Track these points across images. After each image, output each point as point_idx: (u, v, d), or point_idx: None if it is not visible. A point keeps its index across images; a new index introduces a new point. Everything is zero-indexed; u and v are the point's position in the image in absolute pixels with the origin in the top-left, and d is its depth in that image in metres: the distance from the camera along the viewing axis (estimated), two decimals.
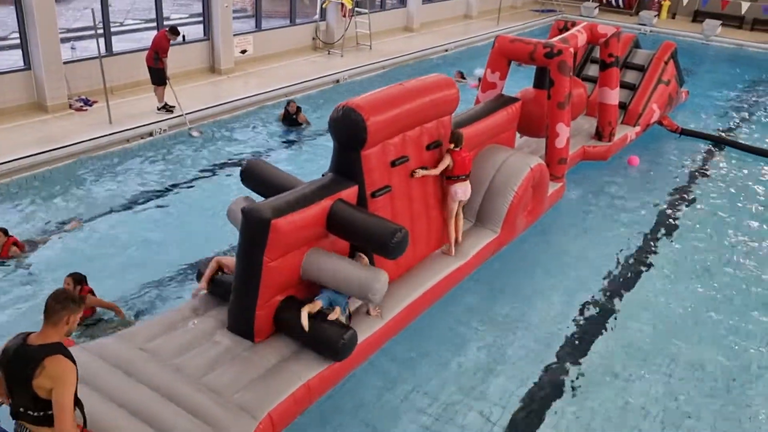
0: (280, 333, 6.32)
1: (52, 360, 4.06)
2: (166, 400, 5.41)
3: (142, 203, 10.17)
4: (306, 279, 6.31)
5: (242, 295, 6.11)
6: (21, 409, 4.20)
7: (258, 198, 6.91)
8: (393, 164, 7.15)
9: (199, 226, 9.44)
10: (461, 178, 7.96)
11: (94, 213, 9.73)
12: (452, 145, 7.85)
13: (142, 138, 12.38)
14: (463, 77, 17.42)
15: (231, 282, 6.31)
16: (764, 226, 10.63)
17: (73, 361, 4.19)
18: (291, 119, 13.51)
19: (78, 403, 4.32)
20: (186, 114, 13.06)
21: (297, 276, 6.28)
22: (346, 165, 6.83)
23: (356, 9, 19.08)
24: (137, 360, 5.75)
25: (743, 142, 14.24)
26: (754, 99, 18.24)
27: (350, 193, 6.65)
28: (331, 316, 6.12)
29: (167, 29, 13.06)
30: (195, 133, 12.80)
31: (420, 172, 7.49)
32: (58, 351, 4.13)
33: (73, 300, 4.21)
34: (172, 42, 13.05)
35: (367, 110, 6.60)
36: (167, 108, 13.24)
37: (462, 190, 8.02)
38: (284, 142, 13.03)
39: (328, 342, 6.00)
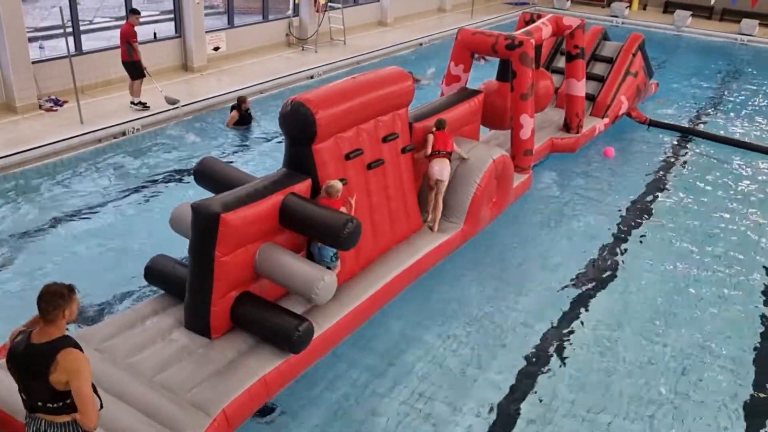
0: (237, 328, 6.35)
1: (64, 355, 4.14)
2: (117, 400, 5.41)
3: (116, 203, 10.11)
4: (260, 274, 6.35)
5: (197, 291, 6.13)
6: (39, 404, 4.28)
7: None
8: (347, 157, 7.19)
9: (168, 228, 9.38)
10: (440, 154, 8.33)
11: (66, 213, 9.68)
12: (434, 129, 8.43)
13: (114, 138, 12.31)
14: (415, 78, 17.38)
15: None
16: (733, 214, 10.78)
17: (80, 349, 4.29)
18: (244, 118, 13.35)
19: (93, 388, 4.40)
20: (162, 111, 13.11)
21: (251, 271, 6.31)
22: (299, 159, 6.87)
23: (329, 4, 19.05)
24: (92, 361, 5.71)
25: (710, 131, 14.38)
26: (723, 88, 18.45)
27: (303, 187, 6.69)
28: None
29: (127, 17, 13.00)
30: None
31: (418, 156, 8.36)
32: (68, 344, 4.22)
33: (61, 295, 4.22)
34: (137, 23, 12.89)
35: (316, 104, 6.65)
36: (144, 106, 13.19)
37: (438, 168, 8.33)
38: (256, 138, 13.01)
39: (284, 335, 6.03)
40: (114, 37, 15.69)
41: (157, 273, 6.84)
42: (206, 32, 16.49)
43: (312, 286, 5.95)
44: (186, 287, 6.24)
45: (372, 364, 6.92)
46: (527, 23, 11.91)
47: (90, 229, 9.34)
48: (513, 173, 9.70)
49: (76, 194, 10.30)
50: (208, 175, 7.14)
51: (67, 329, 4.34)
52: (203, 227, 5.91)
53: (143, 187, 10.68)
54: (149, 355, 5.98)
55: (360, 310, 7.10)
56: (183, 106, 13.49)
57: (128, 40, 12.75)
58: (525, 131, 10.15)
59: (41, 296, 4.21)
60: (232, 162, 11.77)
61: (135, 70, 13.01)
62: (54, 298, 4.18)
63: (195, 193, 10.27)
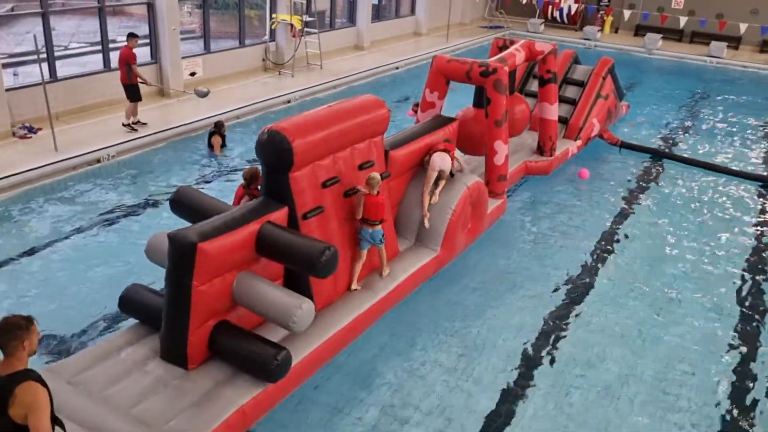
0: (214, 358, 6.33)
1: (22, 388, 4.08)
2: None
3: (90, 231, 10.04)
4: (238, 303, 6.35)
5: (173, 321, 6.11)
6: None
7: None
8: (324, 185, 7.24)
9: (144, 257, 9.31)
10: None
11: (40, 242, 9.59)
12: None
13: (89, 165, 12.26)
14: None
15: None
16: (703, 234, 11.00)
17: (44, 383, 4.23)
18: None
19: (57, 421, 4.33)
20: (137, 137, 13.13)
21: (229, 300, 6.31)
22: (276, 188, 6.90)
23: (306, 29, 19.22)
24: (64, 394, 5.65)
25: (680, 154, 14.68)
26: (694, 110, 18.87)
27: (280, 216, 6.72)
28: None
29: (126, 40, 13.28)
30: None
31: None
32: (27, 378, 4.16)
33: (18, 326, 4.18)
34: (134, 46, 13.27)
35: (292, 132, 6.71)
36: (132, 126, 13.37)
37: (440, 159, 8.78)
38: (234, 165, 13.00)
39: (261, 364, 6.03)
40: (90, 63, 15.74)
41: (131, 302, 6.81)
42: (183, 58, 16.54)
43: (290, 314, 5.95)
44: (162, 317, 6.22)
45: (345, 388, 6.94)
46: (501, 49, 12.13)
47: (65, 258, 9.26)
48: (487, 199, 9.82)
49: (50, 222, 10.22)
50: (184, 204, 7.15)
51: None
52: (180, 257, 5.91)
53: (118, 214, 10.61)
54: (125, 387, 5.93)
55: (337, 338, 7.12)
56: (159, 132, 13.53)
57: (128, 62, 13.09)
58: (499, 157, 10.28)
59: None
60: (210, 185, 11.83)
61: (133, 92, 13.34)
62: (12, 330, 4.15)
63: (170, 220, 10.30)
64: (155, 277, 8.34)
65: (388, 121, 8.09)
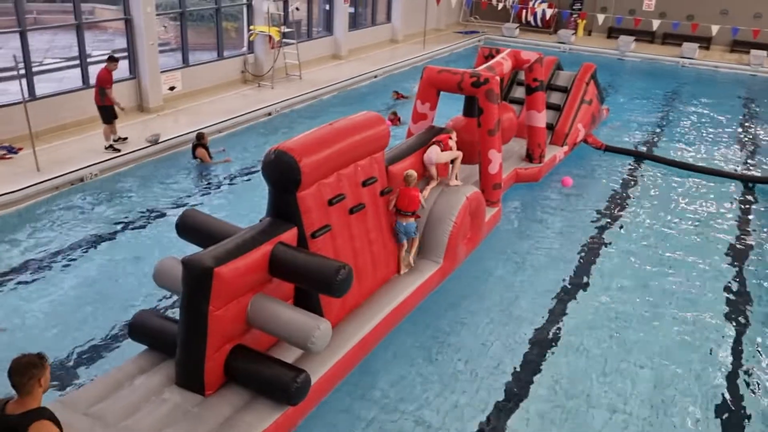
0: (230, 383, 6.25)
1: (35, 427, 4.07)
2: None
3: (76, 252, 9.87)
4: (252, 325, 6.28)
5: (189, 347, 6.02)
6: None
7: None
8: (330, 203, 7.22)
9: (134, 277, 9.16)
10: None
11: (24, 266, 9.40)
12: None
13: (72, 184, 12.04)
14: (403, 96, 18.08)
15: (175, 335, 6.21)
16: (688, 233, 11.24)
17: (56, 421, 4.21)
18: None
19: None
20: (119, 155, 12.96)
21: (244, 323, 6.24)
22: (283, 208, 6.86)
23: (284, 40, 19.14)
24: (82, 427, 5.55)
25: (660, 155, 14.95)
26: (669, 110, 19.23)
27: (290, 236, 6.67)
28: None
29: (106, 62, 13.04)
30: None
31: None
32: (40, 416, 4.13)
33: (33, 365, 4.15)
34: (113, 70, 13.04)
35: (299, 152, 6.68)
36: (114, 147, 13.14)
37: (427, 154, 9.29)
38: (219, 179, 12.90)
39: (282, 387, 5.96)
40: (66, 78, 15.45)
41: (142, 329, 6.69)
42: (161, 72, 16.35)
43: (308, 335, 5.90)
44: (177, 343, 6.12)
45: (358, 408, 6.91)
46: (486, 58, 12.21)
47: (52, 281, 9.10)
48: (485, 208, 9.87)
49: (35, 245, 10.00)
50: (191, 227, 7.05)
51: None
52: (196, 282, 5.83)
53: (104, 234, 10.45)
54: (143, 417, 5.81)
55: (351, 355, 7.09)
56: (140, 149, 13.38)
57: (101, 85, 12.86)
58: (493, 166, 10.34)
59: (13, 370, 4.14)
60: (196, 198, 11.73)
61: (106, 113, 13.08)
62: (28, 369, 4.12)
63: (159, 238, 10.27)
64: (143, 295, 8.29)
65: (389, 136, 8.12)
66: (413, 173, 8.37)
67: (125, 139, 13.56)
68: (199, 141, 13.39)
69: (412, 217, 8.37)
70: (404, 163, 8.88)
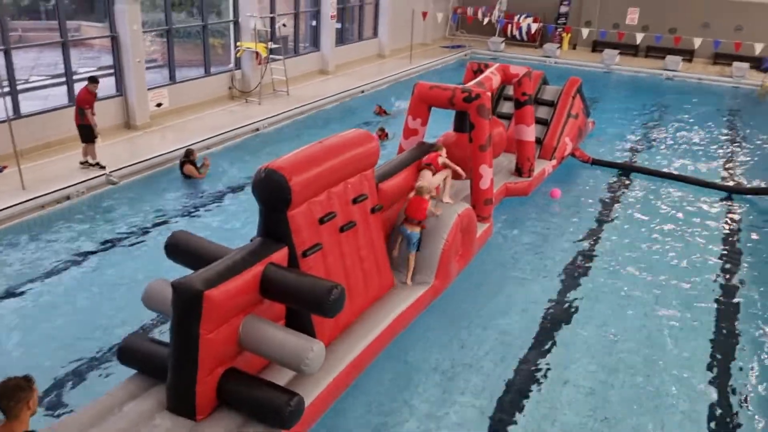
0: (223, 407, 6.14)
1: None
2: None
3: (64, 272, 9.72)
4: (244, 348, 6.19)
5: (180, 372, 5.91)
6: None
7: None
8: (321, 221, 7.16)
9: (122, 299, 9.01)
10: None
11: (11, 286, 9.26)
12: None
13: (58, 203, 11.90)
14: (385, 112, 18.05)
15: (166, 359, 6.10)
16: (674, 243, 11.36)
17: None
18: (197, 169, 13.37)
19: None
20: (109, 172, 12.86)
21: (236, 346, 6.15)
22: (274, 227, 6.79)
23: (271, 56, 19.12)
24: None
25: (646, 166, 15.08)
26: (654, 122, 19.41)
27: (281, 256, 6.60)
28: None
29: (87, 82, 12.87)
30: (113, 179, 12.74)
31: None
32: None
33: (21, 388, 4.08)
34: (95, 91, 12.89)
35: (290, 170, 6.62)
36: (99, 165, 13.01)
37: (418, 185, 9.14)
38: (207, 197, 12.80)
39: (275, 410, 5.86)
40: (52, 96, 15.32)
41: (131, 353, 6.57)
42: (148, 89, 16.27)
43: (302, 357, 5.82)
44: (168, 367, 6.01)
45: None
46: (475, 73, 12.23)
47: (37, 301, 8.97)
48: (476, 225, 9.84)
49: (20, 265, 9.85)
50: (180, 249, 6.95)
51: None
52: (186, 306, 5.74)
53: (90, 254, 10.30)
54: None
55: (344, 375, 7.01)
56: (127, 166, 13.25)
57: (81, 106, 12.71)
58: (485, 181, 10.34)
59: (0, 394, 4.05)
60: (190, 217, 11.63)
61: (85, 133, 12.91)
62: (15, 393, 4.05)
63: (147, 257, 10.14)
64: (135, 315, 8.18)
65: (378, 154, 8.08)
66: (427, 186, 8.74)
67: (103, 167, 13.03)
68: (188, 157, 13.33)
69: (417, 226, 8.60)
70: (394, 180, 8.86)
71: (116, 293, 9.18)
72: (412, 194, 8.80)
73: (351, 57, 24.39)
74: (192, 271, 6.19)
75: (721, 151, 16.95)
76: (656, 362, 8.12)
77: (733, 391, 7.66)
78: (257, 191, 6.75)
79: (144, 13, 16.15)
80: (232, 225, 11.31)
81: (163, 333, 8.01)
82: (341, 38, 24.24)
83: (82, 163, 13.07)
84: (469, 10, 29.48)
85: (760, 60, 25.61)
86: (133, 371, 6.61)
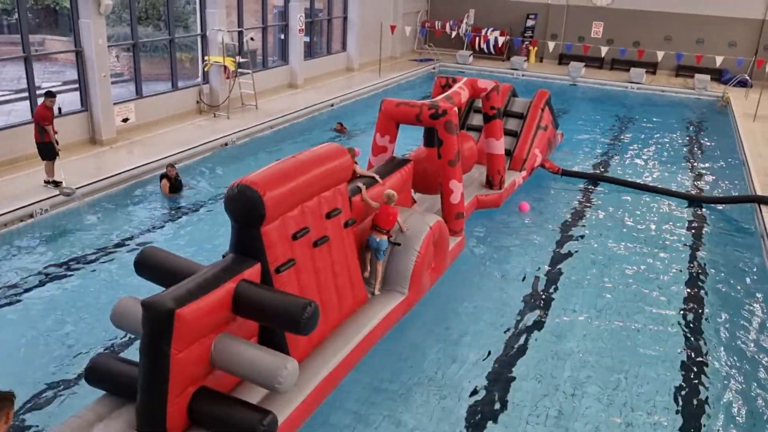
0: (194, 427, 6.02)
1: None
2: None
3: (27, 293, 9.48)
4: (216, 366, 6.09)
5: (151, 392, 5.78)
6: None
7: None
8: (294, 237, 7.09)
9: (89, 318, 8.82)
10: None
11: None
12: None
13: (21, 221, 11.63)
14: (344, 130, 18.01)
15: (135, 379, 5.96)
16: (641, 249, 11.61)
17: None
18: (175, 185, 13.19)
19: None
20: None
21: (207, 364, 6.04)
22: (247, 243, 6.70)
23: (239, 69, 19.01)
24: None
25: (614, 176, 15.33)
26: (619, 133, 19.76)
27: (253, 272, 6.51)
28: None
29: (43, 98, 12.48)
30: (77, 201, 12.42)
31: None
32: None
33: (4, 399, 3.99)
34: (52, 106, 12.43)
35: (263, 186, 6.55)
36: (56, 183, 12.59)
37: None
38: (177, 212, 12.64)
39: (248, 429, 5.73)
40: (14, 111, 15.02)
41: (99, 373, 6.41)
42: (114, 104, 16.04)
43: (275, 375, 5.73)
44: (138, 387, 5.87)
45: None
46: (443, 88, 12.29)
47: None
48: (448, 238, 9.85)
49: None
50: (150, 265, 6.81)
51: None
52: (156, 325, 5.62)
53: (54, 273, 10.07)
54: None
55: (318, 391, 6.93)
56: (93, 183, 13.01)
57: (39, 122, 12.28)
58: (455, 196, 10.36)
59: None
60: (158, 233, 11.43)
61: (45, 151, 12.48)
62: None
63: (112, 276, 9.93)
64: (98, 341, 8.10)
65: (352, 168, 8.06)
66: (393, 193, 8.67)
67: (59, 183, 12.61)
68: (166, 172, 13.15)
69: (385, 235, 8.63)
70: (368, 193, 8.80)
71: (81, 313, 8.97)
72: (377, 204, 8.72)
73: (320, 71, 24.38)
74: (162, 289, 6.08)
75: (684, 161, 17.31)
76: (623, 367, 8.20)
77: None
78: (230, 207, 6.66)
79: (110, 27, 15.95)
80: (203, 241, 11.16)
81: (131, 353, 7.84)
82: (310, 52, 24.23)
83: (46, 182, 12.69)
84: (437, 24, 29.75)
85: (720, 72, 26.24)
86: (102, 392, 6.46)
